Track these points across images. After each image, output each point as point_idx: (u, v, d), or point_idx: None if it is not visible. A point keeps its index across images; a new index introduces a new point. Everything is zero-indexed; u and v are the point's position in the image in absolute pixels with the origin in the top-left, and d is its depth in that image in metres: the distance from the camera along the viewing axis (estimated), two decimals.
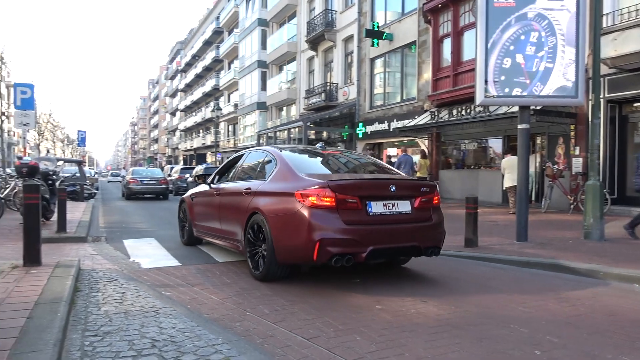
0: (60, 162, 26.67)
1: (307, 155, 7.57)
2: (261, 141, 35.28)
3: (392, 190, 6.49)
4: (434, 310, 5.51)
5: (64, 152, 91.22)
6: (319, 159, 7.51)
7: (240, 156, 8.47)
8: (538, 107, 15.07)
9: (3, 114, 39.48)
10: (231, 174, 8.36)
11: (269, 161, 7.42)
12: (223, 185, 8.23)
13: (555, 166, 16.03)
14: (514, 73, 9.57)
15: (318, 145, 8.18)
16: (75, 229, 11.43)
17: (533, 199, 17.58)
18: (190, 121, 67.51)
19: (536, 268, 7.78)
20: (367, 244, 6.17)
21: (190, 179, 28.46)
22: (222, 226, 7.92)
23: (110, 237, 11.15)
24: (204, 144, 60.30)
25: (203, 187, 9.11)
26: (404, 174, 7.54)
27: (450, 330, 4.92)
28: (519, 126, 9.97)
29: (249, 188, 7.20)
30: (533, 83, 9.57)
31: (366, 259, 6.16)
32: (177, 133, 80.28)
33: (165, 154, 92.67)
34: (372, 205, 6.37)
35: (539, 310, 5.62)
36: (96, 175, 42.54)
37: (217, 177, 8.82)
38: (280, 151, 7.52)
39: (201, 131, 64.25)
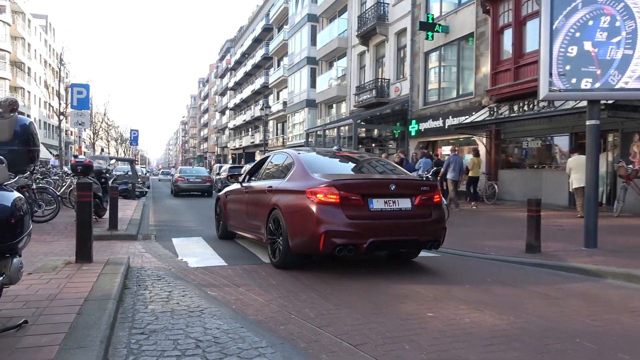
0: (113, 161, 27.67)
1: (322, 157, 8.47)
2: (310, 140, 35.15)
3: (392, 189, 7.19)
4: (490, 320, 5.30)
5: (117, 151, 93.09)
6: (333, 160, 8.39)
7: (267, 158, 9.49)
8: (610, 101, 14.09)
9: (62, 113, 40.69)
10: (259, 173, 9.33)
11: (289, 163, 8.30)
12: (251, 183, 9.21)
13: (630, 166, 15.07)
14: (582, 62, 9.00)
15: (334, 147, 9.16)
16: (126, 227, 11.48)
17: (604, 201, 16.78)
18: (240, 119, 68.17)
19: (607, 278, 7.36)
20: (368, 236, 6.92)
21: (222, 177, 30.78)
22: (249, 220, 8.83)
23: (159, 235, 11.19)
24: (252, 142, 60.55)
25: (235, 186, 10.08)
26: (412, 175, 8.24)
27: (508, 342, 4.69)
28: (588, 122, 9.45)
29: (271, 186, 8.09)
30: (608, 73, 8.92)
31: (367, 249, 6.92)
32: (226, 132, 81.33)
33: (214, 152, 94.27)
34: (373, 202, 7.10)
35: (610, 324, 5.29)
36: (147, 174, 43.24)
37: (247, 176, 9.79)
38: (299, 154, 8.38)
39: (250, 129, 64.75)
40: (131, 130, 42.61)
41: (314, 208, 7.01)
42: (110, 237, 10.37)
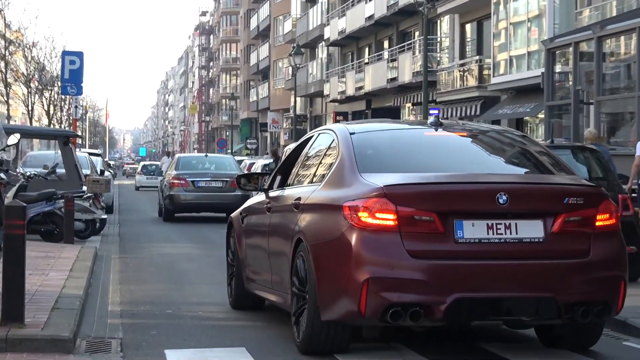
0: (17, 138, 11.34)
1: (395, 136, 5.87)
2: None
3: (500, 201, 4.67)
4: None
5: (30, 113, 46.42)
6: (420, 143, 5.74)
7: (308, 140, 6.38)
8: None
9: None
10: (293, 171, 6.33)
11: (333, 149, 5.56)
12: (279, 192, 6.23)
13: None
14: None
15: (430, 120, 5.88)
16: (47, 319, 6.12)
17: None
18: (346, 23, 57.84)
19: None
20: (450, 290, 4.56)
21: (166, 181, 18.80)
22: (272, 266, 5.98)
23: (133, 339, 6.08)
24: (390, 79, 30.48)
25: (259, 198, 6.90)
26: (577, 176, 5.46)
27: None
28: None
29: (299, 198, 5.49)
30: None
31: (446, 314, 4.56)
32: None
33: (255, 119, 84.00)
34: (463, 227, 4.71)
35: None
36: (110, 171, 25.41)
37: (278, 177, 6.59)
38: (351, 133, 5.51)
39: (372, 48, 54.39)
40: (64, 54, 18.73)
41: (351, 238, 4.66)
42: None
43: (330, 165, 5.50)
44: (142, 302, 7.77)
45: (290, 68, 43.65)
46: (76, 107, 21.40)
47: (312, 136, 6.42)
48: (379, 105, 36.73)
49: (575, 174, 5.52)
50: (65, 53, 16.31)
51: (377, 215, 4.71)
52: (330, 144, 5.78)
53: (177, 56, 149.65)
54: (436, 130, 5.73)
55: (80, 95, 22.05)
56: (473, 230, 4.73)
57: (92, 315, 6.95)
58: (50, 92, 46.23)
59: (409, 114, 34.23)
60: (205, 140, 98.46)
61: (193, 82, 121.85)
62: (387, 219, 4.71)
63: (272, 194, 6.44)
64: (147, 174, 38.02)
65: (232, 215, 7.53)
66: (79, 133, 29.73)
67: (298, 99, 46.30)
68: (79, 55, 16.20)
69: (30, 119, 48.10)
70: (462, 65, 26.06)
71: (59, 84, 28.04)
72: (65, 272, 8.67)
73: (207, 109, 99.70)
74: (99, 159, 21.83)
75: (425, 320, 4.63)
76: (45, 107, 47.48)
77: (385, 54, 33.62)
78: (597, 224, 4.90)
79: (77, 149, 19.80)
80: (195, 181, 17.47)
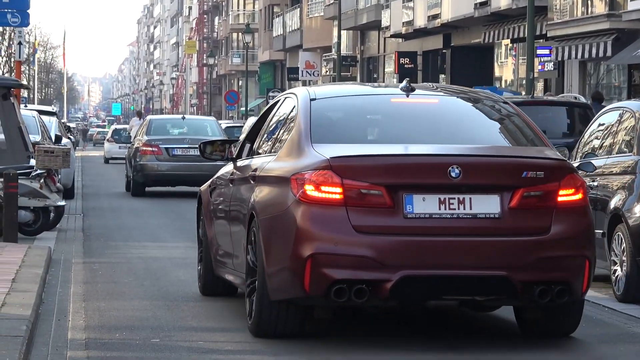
0: None
1: (362, 104, 7.78)
2: None
3: (452, 175, 6.31)
4: None
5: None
6: (386, 111, 7.65)
7: (275, 104, 8.52)
8: None
9: None
10: (259, 137, 8.52)
11: (293, 117, 7.49)
12: (244, 162, 8.39)
13: None
14: None
15: (402, 84, 7.70)
16: None
17: None
18: None
19: None
20: (397, 267, 6.21)
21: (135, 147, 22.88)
22: (233, 244, 8.05)
23: None
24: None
25: (227, 168, 9.11)
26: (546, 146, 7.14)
27: None
28: None
29: (255, 169, 7.51)
30: None
31: (393, 292, 6.23)
32: None
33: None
34: (413, 202, 6.38)
35: None
36: (69, 139, 25.09)
37: (247, 144, 8.85)
38: (311, 99, 7.39)
39: None
40: None
41: (296, 212, 6.37)
42: None
43: (288, 133, 7.28)
44: (117, 327, 8.16)
45: None
46: (20, 44, 21.72)
47: (279, 100, 8.30)
48: (462, 41, 37.11)
49: (549, 146, 7.05)
50: None
51: (323, 188, 6.31)
52: (292, 110, 7.51)
53: None
54: (407, 96, 7.39)
55: (26, 26, 22.69)
56: (424, 204, 6.33)
57: (45, 345, 7.33)
58: None
59: (506, 55, 34.27)
60: (209, 93, 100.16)
61: (190, 8, 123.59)
62: (333, 192, 6.30)
63: (239, 163, 8.34)
64: (121, 142, 38.75)
65: (201, 188, 9.58)
66: (24, 82, 30.23)
67: (344, 32, 46.90)
68: None
69: None
70: None
71: None
72: (5, 284, 9.12)
73: (210, 48, 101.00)
74: (54, 119, 22.85)
75: (372, 299, 6.23)
76: None
77: None
78: (560, 199, 6.47)
79: (22, 106, 20.34)
80: (169, 148, 20.80)
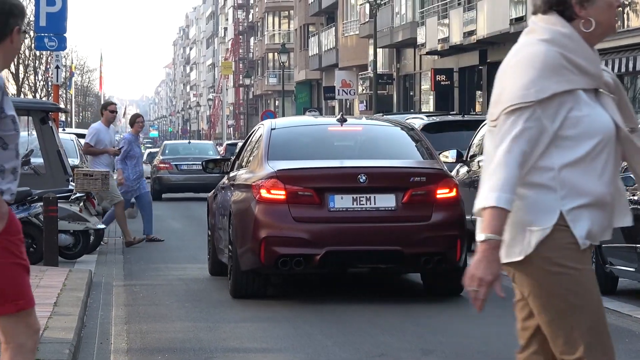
0: None
1: (307, 130, 11.54)
2: None
3: (361, 180, 9.34)
4: None
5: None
6: (325, 136, 11.24)
7: (254, 131, 11.75)
8: None
9: None
10: (240, 157, 11.72)
11: (260, 141, 10.60)
12: (232, 174, 11.40)
13: None
14: None
15: (337, 117, 11.22)
16: None
17: None
18: None
19: None
20: (323, 245, 9.23)
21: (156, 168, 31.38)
22: (224, 235, 10.92)
23: None
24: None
25: (224, 179, 12.22)
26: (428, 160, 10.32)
27: None
28: None
29: (234, 179, 10.84)
30: None
31: (321, 262, 9.27)
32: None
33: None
34: (335, 200, 9.44)
35: None
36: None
37: (237, 161, 11.76)
38: (272, 128, 10.61)
39: None
40: None
41: (255, 208, 9.43)
42: None
43: (257, 152, 10.39)
44: (159, 350, 8.28)
45: (368, 5, 43.93)
46: (57, 67, 21.64)
47: (256, 129, 11.56)
48: (498, 57, 36.47)
49: (437, 159, 10.47)
50: None
51: (272, 191, 9.35)
52: (260, 136, 10.63)
53: None
54: (341, 125, 10.70)
55: (63, 50, 22.63)
56: (342, 201, 9.45)
57: None
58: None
59: None
60: (245, 114, 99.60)
61: (225, 29, 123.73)
62: (279, 194, 9.36)
63: (230, 175, 11.35)
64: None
65: (208, 195, 12.97)
66: (62, 106, 30.16)
67: (379, 50, 46.70)
68: None
69: None
70: None
71: (32, 34, 27.65)
72: (47, 308, 9.04)
73: (246, 68, 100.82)
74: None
75: (307, 268, 9.41)
76: (12, 69, 47.44)
77: None
78: (438, 196, 9.47)
79: (60, 129, 20.13)
80: (178, 164, 27.94)
